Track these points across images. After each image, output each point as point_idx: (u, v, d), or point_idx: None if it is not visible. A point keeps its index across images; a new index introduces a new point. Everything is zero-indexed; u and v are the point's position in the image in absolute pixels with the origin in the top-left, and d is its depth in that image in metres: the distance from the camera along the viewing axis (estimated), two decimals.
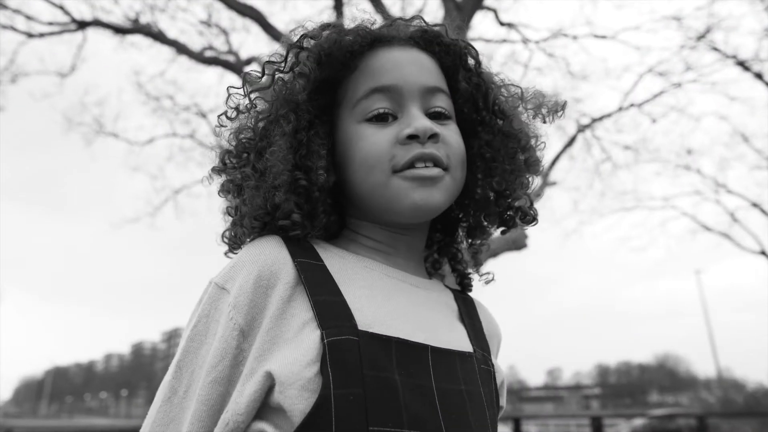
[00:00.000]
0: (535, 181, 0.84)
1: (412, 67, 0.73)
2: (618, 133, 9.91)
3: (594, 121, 9.60)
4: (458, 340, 0.72)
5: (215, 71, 8.77)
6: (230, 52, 8.98)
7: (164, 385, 0.65)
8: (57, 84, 8.69)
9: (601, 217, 11.45)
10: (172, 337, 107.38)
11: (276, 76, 0.73)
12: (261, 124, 0.72)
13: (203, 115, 10.09)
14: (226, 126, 0.77)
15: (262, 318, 0.63)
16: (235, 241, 0.77)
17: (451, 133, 0.74)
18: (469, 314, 0.80)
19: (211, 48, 8.90)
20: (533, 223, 0.81)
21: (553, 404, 75.01)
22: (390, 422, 0.57)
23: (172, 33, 8.09)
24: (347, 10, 8.83)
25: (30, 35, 7.69)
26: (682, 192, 12.14)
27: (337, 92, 0.75)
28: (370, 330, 0.62)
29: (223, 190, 0.76)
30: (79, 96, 9.37)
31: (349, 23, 0.77)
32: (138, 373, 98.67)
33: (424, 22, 0.79)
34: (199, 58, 7.98)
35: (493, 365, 0.77)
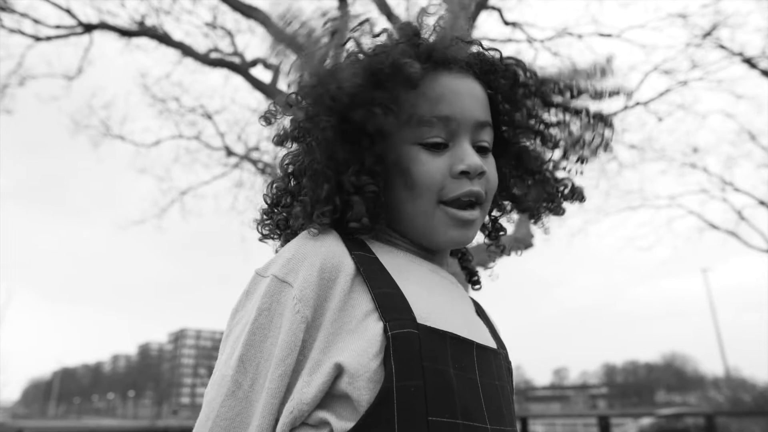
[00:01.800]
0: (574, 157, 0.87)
1: (469, 100, 0.75)
2: (624, 131, 9.91)
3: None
4: (487, 336, 0.76)
5: (221, 73, 8.81)
6: (235, 53, 9.02)
7: (225, 379, 0.63)
8: (64, 87, 8.74)
9: (606, 216, 11.39)
10: (178, 338, 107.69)
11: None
12: (350, 94, 0.70)
13: (209, 117, 10.14)
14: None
15: (326, 310, 0.63)
16: (278, 228, 0.78)
17: (491, 169, 0.78)
18: (479, 311, 0.84)
19: (216, 50, 8.94)
20: (583, 200, 0.88)
21: (560, 404, 74.81)
22: (447, 413, 0.60)
23: (177, 35, 8.13)
24: (352, 10, 8.85)
25: (37, 38, 7.74)
26: (688, 190, 12.09)
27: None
28: (428, 324, 0.64)
29: (283, 165, 0.78)
30: (86, 98, 9.45)
31: (403, 31, 0.76)
32: (145, 374, 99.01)
33: (481, 45, 0.81)
34: (205, 60, 8.02)
35: (510, 362, 0.80)
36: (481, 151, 0.77)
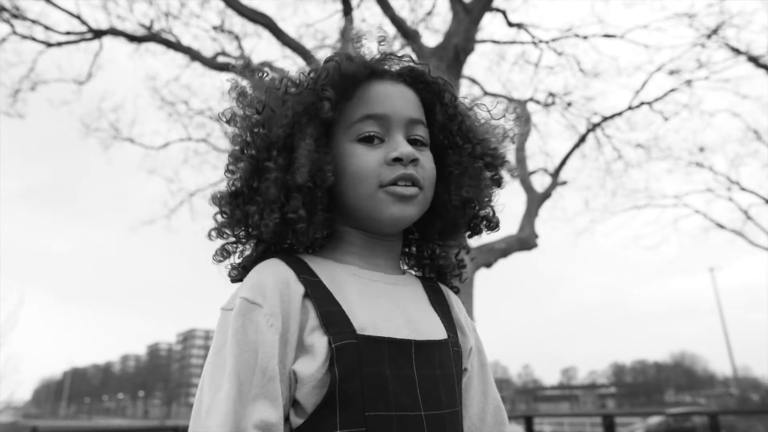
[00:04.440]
0: (498, 195, 0.96)
1: (400, 101, 0.86)
2: (630, 131, 9.92)
3: (605, 119, 9.61)
4: (434, 329, 0.85)
5: (228, 76, 8.92)
6: (242, 57, 9.13)
7: (230, 392, 0.68)
8: (75, 91, 8.87)
9: (612, 215, 11.41)
10: (187, 338, 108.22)
11: (302, 92, 0.83)
12: (280, 130, 0.81)
13: (217, 119, 10.25)
14: (237, 117, 0.87)
15: (289, 327, 0.73)
16: (245, 229, 0.85)
17: (426, 159, 0.87)
18: (437, 301, 0.92)
19: (223, 53, 9.05)
20: (496, 230, 0.96)
21: (569, 403, 74.53)
22: (382, 407, 0.71)
23: (185, 39, 8.25)
24: (357, 14, 8.93)
25: (48, 44, 7.88)
26: (694, 189, 12.06)
27: (335, 114, 0.85)
28: (366, 333, 0.74)
29: (229, 171, 0.86)
30: (96, 102, 9.58)
31: (351, 50, 0.88)
32: (154, 374, 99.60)
33: (413, 60, 0.91)
34: (212, 64, 8.13)
35: (461, 345, 0.89)
36: (415, 143, 0.87)
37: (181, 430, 5.47)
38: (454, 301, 0.96)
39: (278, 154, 0.81)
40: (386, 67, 0.89)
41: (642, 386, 78.67)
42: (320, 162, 0.81)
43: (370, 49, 0.89)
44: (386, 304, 0.82)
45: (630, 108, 9.03)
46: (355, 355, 0.71)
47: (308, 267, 0.81)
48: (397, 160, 0.82)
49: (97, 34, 7.93)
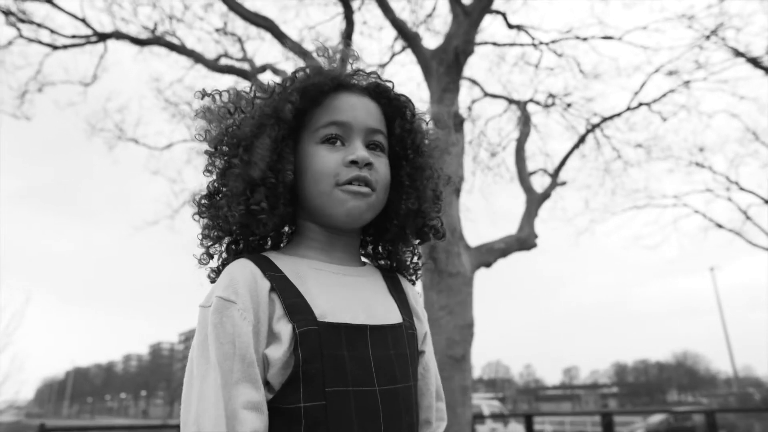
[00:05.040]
0: (441, 206, 1.07)
1: (362, 111, 0.97)
2: (630, 131, 9.99)
3: (604, 120, 9.69)
4: (390, 314, 0.96)
5: (231, 78, 9.02)
6: (245, 59, 9.23)
7: (216, 379, 0.79)
8: (80, 93, 8.99)
9: (612, 215, 11.48)
10: (189, 338, 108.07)
11: (271, 96, 0.95)
12: (247, 129, 0.92)
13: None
14: (212, 120, 0.98)
15: (260, 319, 0.84)
16: (216, 223, 0.95)
17: (381, 164, 0.98)
18: (395, 289, 1.03)
19: (226, 55, 9.16)
20: (442, 239, 1.07)
21: (571, 403, 74.51)
22: (340, 384, 0.82)
23: (189, 41, 8.35)
24: (358, 17, 9.02)
25: (54, 47, 7.97)
26: (694, 189, 12.13)
27: (302, 119, 0.96)
28: (326, 320, 0.85)
29: (207, 170, 0.97)
30: (101, 103, 9.68)
31: (325, 63, 1.00)
32: (157, 374, 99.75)
33: (379, 77, 1.03)
34: (215, 67, 8.23)
35: (416, 329, 1.01)
36: (373, 148, 0.97)
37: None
38: (411, 290, 1.08)
39: (244, 151, 0.91)
40: (354, 81, 1.00)
41: (644, 386, 78.57)
42: (279, 160, 0.91)
43: (344, 63, 1.01)
44: (345, 294, 0.93)
45: (629, 109, 9.10)
46: (317, 340, 0.82)
47: (273, 264, 0.91)
48: (354, 162, 0.93)
49: (102, 37, 8.03)
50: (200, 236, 0.97)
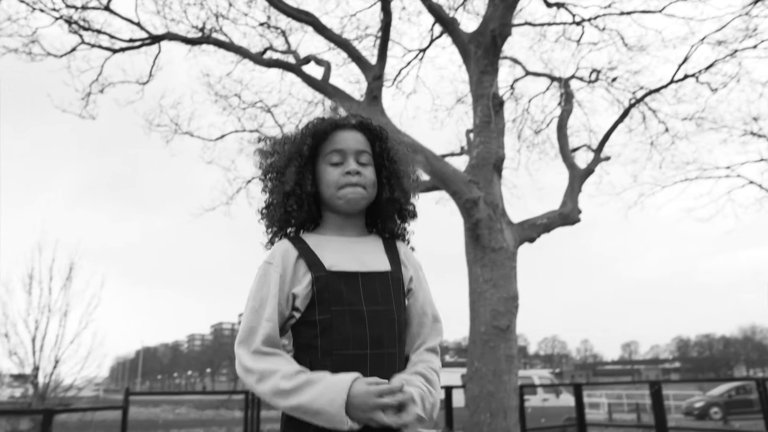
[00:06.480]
0: (414, 196, 1.53)
1: (353, 140, 1.44)
2: (678, 103, 9.75)
3: (649, 93, 9.50)
4: (380, 264, 1.39)
5: (277, 70, 9.37)
6: (289, 51, 9.58)
7: (251, 306, 1.31)
8: (138, 91, 9.56)
9: (663, 188, 11.25)
10: None
11: (294, 141, 1.43)
12: (282, 163, 1.41)
13: (268, 110, 10.80)
14: (261, 158, 1.49)
15: (287, 273, 1.32)
16: (271, 221, 1.43)
17: (368, 171, 1.43)
18: (389, 248, 1.46)
19: (271, 48, 9.52)
20: (415, 218, 1.52)
21: (630, 378, 73.00)
22: (340, 305, 1.28)
23: (235, 36, 8.74)
24: (396, 3, 9.16)
25: (113, 51, 8.54)
26: (748, 160, 11.66)
27: (318, 148, 1.42)
28: (332, 269, 1.31)
29: (263, 190, 1.47)
30: (157, 100, 10.27)
31: (327, 112, 1.48)
32: (220, 353, 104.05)
33: (362, 117, 1.50)
34: (261, 61, 8.58)
35: (402, 273, 1.42)
36: (362, 164, 1.41)
37: (249, 394, 6.14)
38: (403, 249, 1.50)
39: (281, 176, 1.40)
40: (347, 122, 1.47)
41: (708, 360, 76.06)
42: (303, 178, 1.38)
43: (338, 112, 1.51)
44: (347, 253, 1.39)
45: (673, 81, 8.88)
46: (325, 280, 1.29)
47: (303, 240, 1.39)
48: (348, 173, 1.39)
49: (156, 38, 8.53)
50: (264, 230, 1.47)
